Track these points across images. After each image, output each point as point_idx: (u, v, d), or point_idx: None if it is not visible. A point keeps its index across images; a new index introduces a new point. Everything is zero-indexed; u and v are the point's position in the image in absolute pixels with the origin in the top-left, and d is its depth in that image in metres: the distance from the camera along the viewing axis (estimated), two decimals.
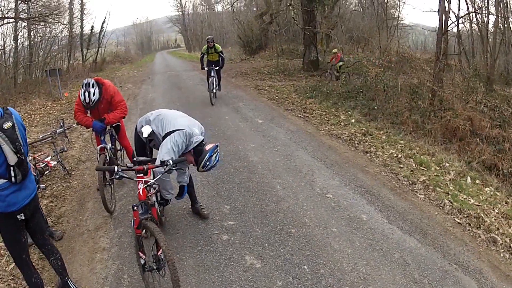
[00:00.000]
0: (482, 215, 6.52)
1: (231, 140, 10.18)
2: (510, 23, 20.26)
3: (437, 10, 15.05)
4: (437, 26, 15.60)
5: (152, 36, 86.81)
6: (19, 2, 23.37)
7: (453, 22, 17.39)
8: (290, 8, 25.65)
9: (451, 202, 6.95)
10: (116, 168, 4.43)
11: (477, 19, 21.16)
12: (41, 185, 7.33)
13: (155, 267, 4.45)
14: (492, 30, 19.99)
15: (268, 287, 4.81)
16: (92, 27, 38.96)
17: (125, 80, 25.23)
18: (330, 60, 22.06)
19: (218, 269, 5.14)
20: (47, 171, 8.63)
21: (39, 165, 8.51)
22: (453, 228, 6.19)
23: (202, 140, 5.41)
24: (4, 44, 23.91)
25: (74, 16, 35.18)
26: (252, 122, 12.22)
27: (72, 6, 34.42)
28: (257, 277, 4.96)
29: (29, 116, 15.72)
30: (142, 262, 4.61)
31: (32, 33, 26.62)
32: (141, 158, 5.37)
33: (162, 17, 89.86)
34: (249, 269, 5.12)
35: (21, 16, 24.07)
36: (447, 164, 8.84)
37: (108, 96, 6.97)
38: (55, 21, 27.30)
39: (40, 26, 26.58)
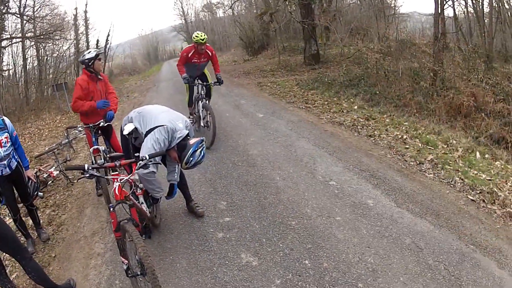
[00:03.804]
0: (495, 189, 6.25)
1: (230, 135, 9.94)
2: (505, 1, 20.07)
3: None
4: (434, 8, 15.48)
5: (158, 46, 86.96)
6: (24, 22, 24.53)
7: (447, 2, 17.05)
8: (287, 3, 25.45)
9: (462, 179, 6.67)
10: (86, 166, 4.14)
11: (472, 0, 20.93)
12: (40, 193, 7.49)
13: (139, 272, 4.14)
14: (488, 10, 19.82)
15: (266, 286, 4.48)
16: (98, 41, 39.45)
17: (132, 90, 25.41)
18: (180, 59, 9.92)
19: (212, 270, 4.85)
20: (50, 181, 8.76)
21: (42, 175, 8.67)
22: (466, 206, 5.89)
23: (187, 135, 5.12)
24: (14, 65, 25.23)
25: (80, 31, 35.71)
26: (253, 117, 11.96)
27: (76, 22, 34.83)
28: (253, 276, 4.64)
29: (38, 131, 16.35)
30: (125, 267, 4.34)
31: (40, 52, 27.64)
32: (113, 154, 5.06)
33: (167, 27, 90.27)
34: (245, 268, 4.80)
35: (27, 35, 25.15)
36: (454, 141, 8.62)
37: (105, 77, 7.31)
38: (61, 38, 28.40)
39: (48, 44, 27.66)
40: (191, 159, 4.85)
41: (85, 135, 8.70)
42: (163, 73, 40.33)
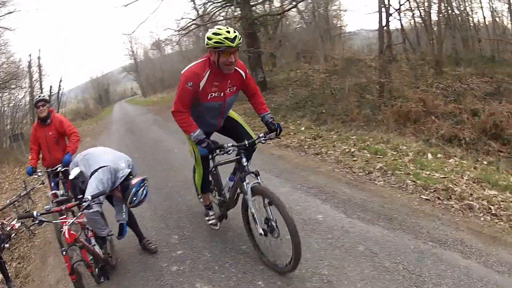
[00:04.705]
0: (450, 185, 6.43)
1: (180, 171, 9.83)
2: (453, 7, 20.75)
3: (378, 7, 15.50)
4: (378, 21, 15.64)
5: (110, 88, 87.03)
6: None
7: (391, 14, 17.13)
8: None
9: (413, 181, 6.79)
10: (35, 213, 4.28)
11: (419, 10, 21.51)
12: (6, 245, 7.38)
13: None
14: (437, 18, 20.39)
15: None
16: (51, 87, 39.63)
17: (84, 135, 25.30)
18: (179, 97, 4.78)
19: None
20: (14, 234, 8.72)
21: (6, 229, 8.54)
22: (420, 206, 6.02)
23: (130, 173, 5.17)
24: None
25: (34, 79, 35.77)
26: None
27: (31, 69, 34.81)
28: None
29: None
30: None
31: None
32: (59, 199, 5.05)
33: (117, 68, 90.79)
34: None
35: None
36: (404, 147, 8.76)
37: (57, 121, 7.36)
38: (17, 87, 29.44)
39: (5, 94, 28.51)
40: (134, 198, 4.88)
41: (42, 185, 9.26)
42: (114, 115, 42.17)
